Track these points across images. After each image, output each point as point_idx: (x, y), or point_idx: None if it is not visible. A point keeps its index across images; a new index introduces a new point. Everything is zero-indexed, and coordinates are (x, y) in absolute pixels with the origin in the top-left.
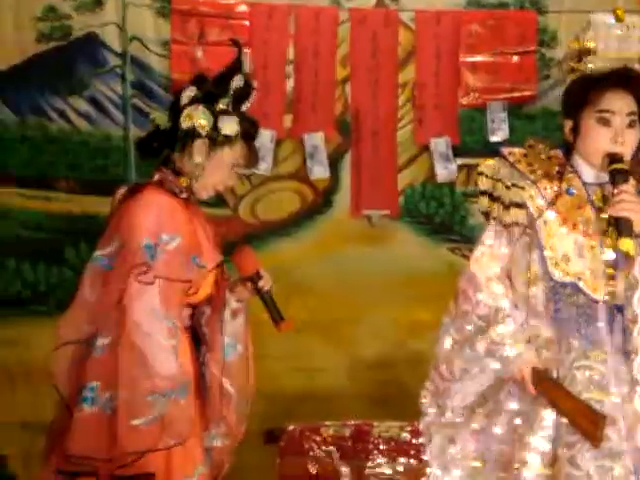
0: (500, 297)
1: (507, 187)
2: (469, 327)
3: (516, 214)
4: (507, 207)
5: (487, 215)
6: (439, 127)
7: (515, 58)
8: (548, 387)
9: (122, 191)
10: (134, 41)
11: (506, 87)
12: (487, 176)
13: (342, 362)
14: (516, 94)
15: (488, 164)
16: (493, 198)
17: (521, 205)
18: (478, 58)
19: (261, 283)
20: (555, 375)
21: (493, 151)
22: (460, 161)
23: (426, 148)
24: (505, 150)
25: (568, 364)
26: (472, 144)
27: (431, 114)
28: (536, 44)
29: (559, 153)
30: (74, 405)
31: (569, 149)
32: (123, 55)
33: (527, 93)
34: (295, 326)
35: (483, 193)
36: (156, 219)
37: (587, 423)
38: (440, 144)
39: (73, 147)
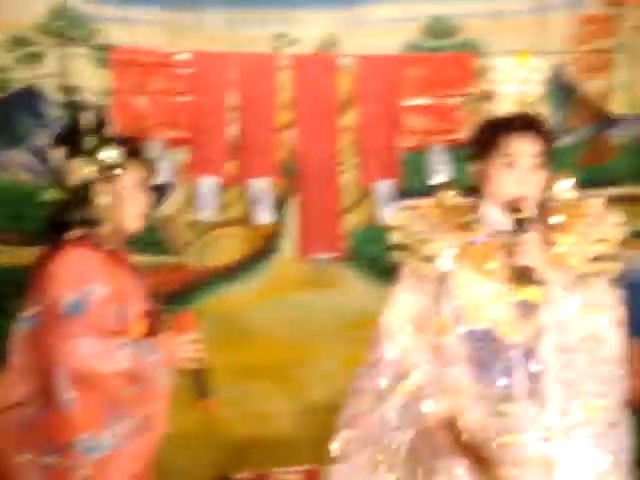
0: (410, 349)
1: (418, 240)
2: (381, 379)
3: (428, 266)
4: (419, 260)
5: (400, 267)
6: (382, 170)
7: (454, 100)
8: (454, 436)
9: (41, 251)
10: (75, 92)
11: (447, 129)
12: (399, 228)
13: (293, 406)
14: (457, 136)
15: (398, 216)
16: (406, 250)
17: (433, 258)
18: (418, 101)
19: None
20: (471, 423)
21: (435, 193)
22: (404, 204)
23: (370, 191)
24: (414, 202)
25: (485, 410)
26: (415, 186)
27: (373, 157)
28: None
29: (467, 201)
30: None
31: (479, 194)
32: (64, 106)
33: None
34: (245, 372)
35: (395, 246)
36: (77, 273)
37: (485, 470)
38: (383, 187)
39: (17, 199)
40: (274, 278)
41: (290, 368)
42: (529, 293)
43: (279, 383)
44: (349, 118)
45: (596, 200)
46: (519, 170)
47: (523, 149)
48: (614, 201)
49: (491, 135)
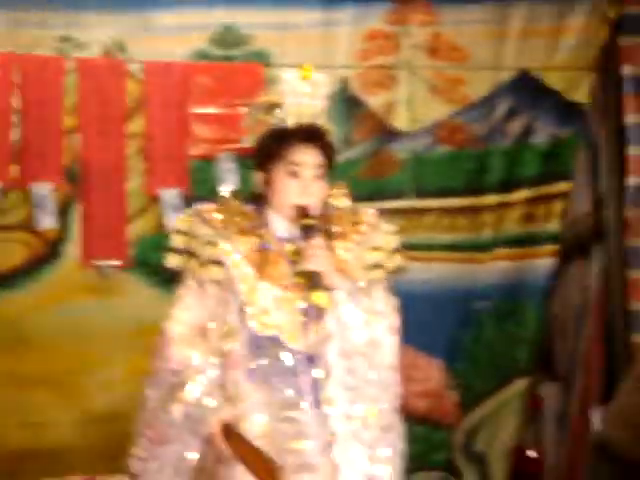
0: (192, 355)
1: (203, 244)
2: (163, 385)
3: (212, 271)
4: (203, 264)
5: (181, 271)
6: (169, 178)
7: (243, 110)
8: (235, 442)
9: None
10: None
11: (235, 138)
12: (182, 232)
13: (72, 415)
14: (245, 145)
15: (183, 220)
16: (189, 254)
17: (218, 262)
18: (207, 109)
19: None
20: (255, 430)
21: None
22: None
23: (157, 198)
24: (199, 206)
25: (271, 415)
26: (203, 195)
27: (161, 165)
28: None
29: (252, 208)
30: None
31: (262, 202)
32: None
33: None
34: (23, 380)
35: (175, 249)
36: None
37: (266, 475)
38: (170, 195)
39: None
40: (56, 284)
41: (70, 376)
42: (317, 298)
43: (58, 392)
44: (137, 124)
45: (370, 210)
46: (302, 180)
47: (307, 159)
48: (395, 213)
49: (276, 145)
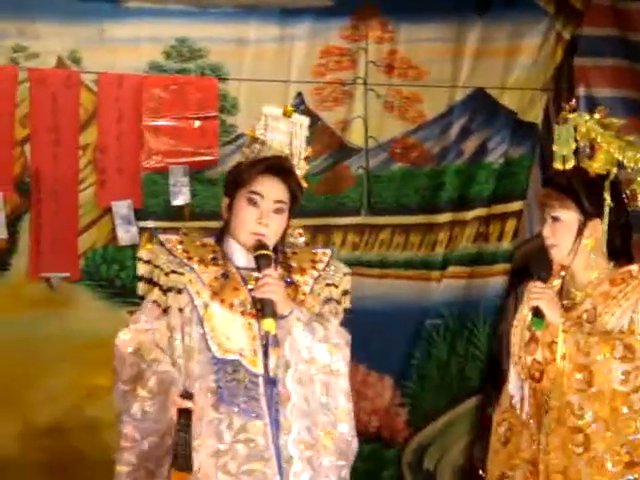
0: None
1: (166, 274)
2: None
3: (174, 298)
4: (165, 291)
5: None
6: (121, 190)
7: (197, 123)
8: None
9: None
10: None
11: (188, 151)
12: (145, 262)
13: (15, 429)
14: (197, 158)
15: (147, 250)
16: (151, 282)
17: (180, 290)
18: (160, 122)
19: None
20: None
21: (175, 215)
22: (142, 224)
23: (108, 211)
24: (162, 237)
25: (230, 437)
26: (154, 207)
27: (113, 177)
28: (217, 110)
29: (212, 240)
30: None
31: (222, 234)
32: None
33: (208, 158)
34: None
35: (141, 278)
36: None
37: None
38: (122, 207)
39: None
40: (4, 297)
41: (15, 389)
42: (265, 325)
43: (3, 405)
44: (90, 136)
45: (327, 250)
46: (260, 209)
47: (267, 191)
48: (349, 229)
49: (242, 173)
